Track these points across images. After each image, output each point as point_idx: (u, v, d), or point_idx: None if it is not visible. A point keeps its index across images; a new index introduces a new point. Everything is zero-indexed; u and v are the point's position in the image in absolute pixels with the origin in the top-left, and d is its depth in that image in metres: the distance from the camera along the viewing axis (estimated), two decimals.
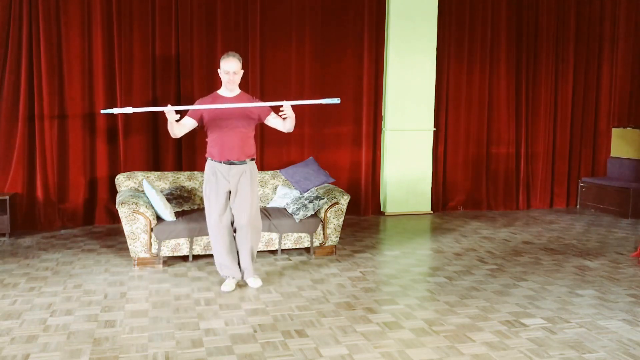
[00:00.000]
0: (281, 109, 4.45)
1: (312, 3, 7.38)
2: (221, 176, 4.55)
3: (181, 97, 6.94)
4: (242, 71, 4.60)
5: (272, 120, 4.70)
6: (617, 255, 5.95)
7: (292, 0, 7.31)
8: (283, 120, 4.62)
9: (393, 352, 3.56)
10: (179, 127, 4.52)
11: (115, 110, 4.24)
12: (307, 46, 7.42)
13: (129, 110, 4.24)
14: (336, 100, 4.44)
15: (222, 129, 4.52)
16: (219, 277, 4.88)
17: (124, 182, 5.73)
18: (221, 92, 4.64)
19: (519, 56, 8.29)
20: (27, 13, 6.35)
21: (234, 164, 4.54)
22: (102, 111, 4.38)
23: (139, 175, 5.78)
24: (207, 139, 4.65)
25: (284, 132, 4.84)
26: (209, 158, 4.61)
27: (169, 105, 4.35)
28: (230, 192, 4.62)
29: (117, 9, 6.65)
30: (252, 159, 4.66)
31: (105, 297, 4.44)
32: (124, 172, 6.29)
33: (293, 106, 4.51)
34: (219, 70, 4.57)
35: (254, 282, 4.74)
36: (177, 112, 4.39)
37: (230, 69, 4.49)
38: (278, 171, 6.23)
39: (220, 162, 4.54)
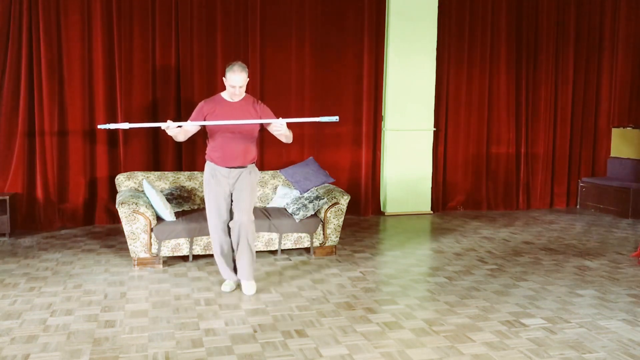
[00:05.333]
0: (271, 125, 4.35)
1: (312, 4, 7.38)
2: (222, 178, 4.51)
3: (181, 100, 6.93)
4: (248, 79, 4.47)
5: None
6: (617, 255, 5.95)
7: (292, 2, 7.31)
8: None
9: (393, 352, 3.56)
10: (183, 133, 4.48)
11: (112, 126, 4.34)
12: (307, 47, 7.42)
13: (125, 125, 4.31)
14: (334, 119, 4.42)
15: (225, 137, 4.46)
16: (219, 277, 4.88)
17: (124, 182, 5.73)
18: (225, 95, 4.54)
19: (519, 56, 8.29)
20: (27, 15, 6.34)
21: (233, 167, 4.52)
22: (100, 126, 4.46)
23: (139, 175, 5.78)
24: (207, 141, 4.60)
25: None
26: (209, 161, 4.57)
27: (169, 121, 4.29)
28: (232, 194, 4.59)
29: (117, 13, 6.64)
30: (253, 163, 4.63)
31: (105, 297, 4.44)
32: (124, 172, 6.29)
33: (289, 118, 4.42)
34: (224, 78, 4.44)
35: (248, 287, 4.55)
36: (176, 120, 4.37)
37: (237, 84, 4.36)
38: (278, 171, 6.23)
39: (221, 166, 4.51)
